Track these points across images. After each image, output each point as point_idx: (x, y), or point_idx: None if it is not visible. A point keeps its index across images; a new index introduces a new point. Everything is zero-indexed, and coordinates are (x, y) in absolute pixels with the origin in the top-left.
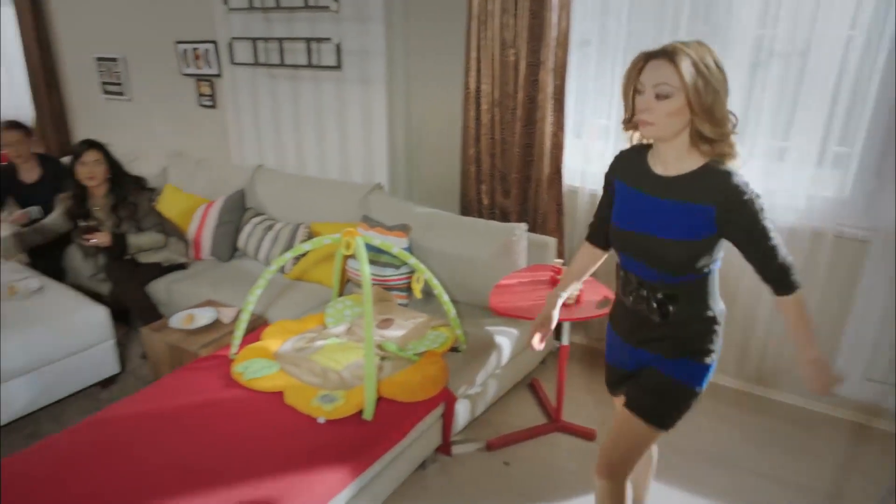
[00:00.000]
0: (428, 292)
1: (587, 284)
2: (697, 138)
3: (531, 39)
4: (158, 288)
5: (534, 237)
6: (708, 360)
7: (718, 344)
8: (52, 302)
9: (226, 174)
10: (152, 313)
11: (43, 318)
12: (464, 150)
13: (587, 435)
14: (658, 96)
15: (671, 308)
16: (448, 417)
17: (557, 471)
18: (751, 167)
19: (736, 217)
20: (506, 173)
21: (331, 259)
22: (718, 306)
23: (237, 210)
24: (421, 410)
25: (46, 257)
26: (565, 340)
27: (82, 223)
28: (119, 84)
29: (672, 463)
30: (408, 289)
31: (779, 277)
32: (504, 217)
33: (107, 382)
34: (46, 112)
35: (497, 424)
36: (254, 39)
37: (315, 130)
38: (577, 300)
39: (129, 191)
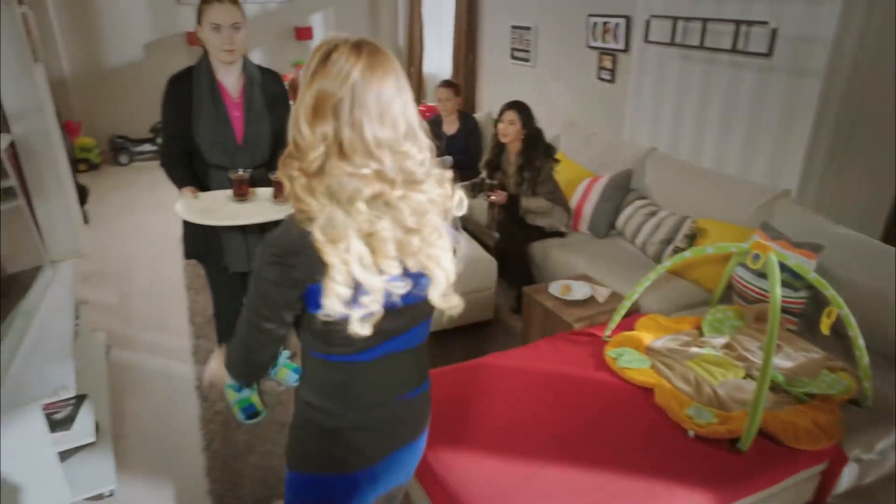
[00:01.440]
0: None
1: None
2: None
3: None
4: (536, 250)
5: None
6: (297, 468)
7: (319, 448)
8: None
9: (615, 151)
10: (526, 271)
11: None
12: None
13: None
14: None
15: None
16: (831, 478)
17: None
18: None
19: None
20: None
21: (713, 261)
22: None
23: (621, 189)
24: (803, 460)
25: None
26: None
27: (487, 181)
28: (526, 51)
29: None
30: (800, 315)
31: None
32: None
33: (482, 325)
34: (462, 71)
35: (884, 502)
36: (674, 18)
37: (720, 121)
38: None
39: (537, 156)
